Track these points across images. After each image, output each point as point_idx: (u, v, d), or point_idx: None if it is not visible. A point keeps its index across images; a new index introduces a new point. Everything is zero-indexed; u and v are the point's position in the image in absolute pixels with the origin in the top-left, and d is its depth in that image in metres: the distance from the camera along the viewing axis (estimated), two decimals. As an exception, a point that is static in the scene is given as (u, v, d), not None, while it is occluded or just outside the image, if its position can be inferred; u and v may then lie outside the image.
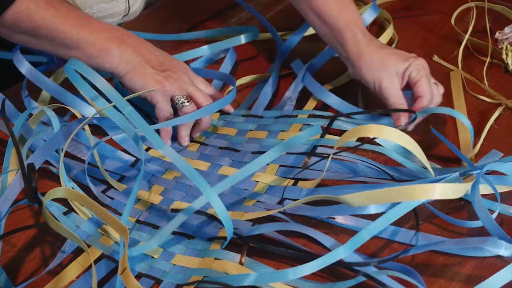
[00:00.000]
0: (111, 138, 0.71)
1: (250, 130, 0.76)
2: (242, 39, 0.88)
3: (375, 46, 0.73)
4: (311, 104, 0.79)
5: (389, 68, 0.71)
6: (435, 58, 0.84)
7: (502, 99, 0.76)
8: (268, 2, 0.97)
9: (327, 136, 0.72)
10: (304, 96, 0.80)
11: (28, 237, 0.64)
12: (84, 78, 0.70)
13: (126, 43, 0.73)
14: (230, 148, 0.74)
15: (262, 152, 0.70)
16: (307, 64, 0.82)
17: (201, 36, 0.91)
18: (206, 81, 0.78)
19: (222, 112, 0.80)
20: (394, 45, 0.87)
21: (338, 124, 0.73)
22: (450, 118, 0.75)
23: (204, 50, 0.87)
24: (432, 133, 0.69)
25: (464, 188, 0.55)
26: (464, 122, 0.69)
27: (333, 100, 0.77)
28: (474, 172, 0.60)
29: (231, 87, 0.79)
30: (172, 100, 0.73)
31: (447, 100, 0.77)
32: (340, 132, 0.72)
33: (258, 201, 0.66)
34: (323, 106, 0.79)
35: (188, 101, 0.73)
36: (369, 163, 0.67)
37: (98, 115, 0.68)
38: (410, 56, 0.72)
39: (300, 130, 0.74)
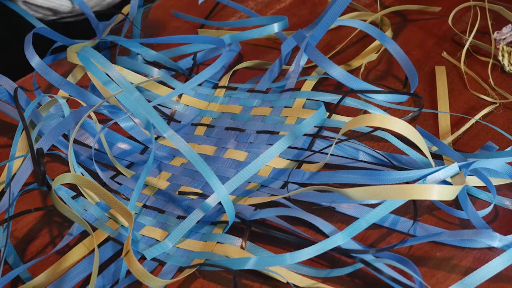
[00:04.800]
0: (120, 126, 0.73)
1: (255, 106, 0.78)
2: (275, 27, 0.83)
3: None
4: (313, 77, 0.79)
5: None
6: (444, 54, 0.86)
7: (498, 98, 0.78)
8: (267, 1, 0.98)
9: (333, 116, 0.73)
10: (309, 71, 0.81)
11: (38, 219, 0.67)
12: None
13: None
14: (236, 128, 0.75)
15: (266, 132, 0.73)
16: (308, 34, 0.79)
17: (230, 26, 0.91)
18: None
19: (228, 88, 0.81)
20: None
21: (345, 101, 0.74)
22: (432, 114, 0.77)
23: (226, 39, 0.83)
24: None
25: (459, 190, 0.57)
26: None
27: (337, 73, 0.76)
28: (462, 168, 0.62)
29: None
30: None
31: (432, 95, 0.79)
32: (346, 109, 0.74)
33: (261, 185, 0.68)
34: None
35: None
36: (371, 150, 0.69)
37: (106, 102, 0.71)
38: None
39: (303, 106, 0.75)
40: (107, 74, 0.72)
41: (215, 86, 0.82)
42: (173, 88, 0.81)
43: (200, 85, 0.82)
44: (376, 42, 0.86)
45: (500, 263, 0.55)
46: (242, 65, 0.85)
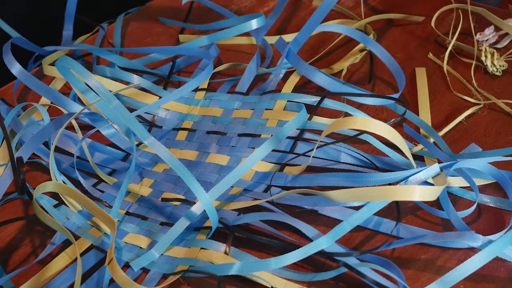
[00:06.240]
0: (102, 133, 0.73)
1: (236, 108, 0.77)
2: (253, 24, 0.82)
3: None
4: (294, 78, 0.79)
5: None
6: (430, 55, 0.86)
7: (481, 99, 0.78)
8: (250, 6, 0.99)
9: (315, 118, 0.73)
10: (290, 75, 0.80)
11: (20, 228, 0.66)
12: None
13: None
14: (217, 132, 0.75)
15: (248, 135, 0.73)
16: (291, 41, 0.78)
17: (205, 28, 0.91)
18: None
19: (208, 90, 0.81)
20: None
21: (326, 103, 0.74)
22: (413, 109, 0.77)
23: (204, 41, 0.83)
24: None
25: (440, 191, 0.57)
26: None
27: (321, 79, 0.75)
28: (444, 169, 0.62)
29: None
30: None
31: (415, 97, 0.79)
32: (327, 111, 0.74)
33: (244, 189, 0.68)
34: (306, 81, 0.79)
35: None
36: (353, 151, 0.69)
37: (87, 110, 0.70)
38: None
39: (284, 108, 0.75)
40: (86, 84, 0.71)
41: (195, 89, 0.81)
42: (155, 94, 0.80)
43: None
44: (360, 45, 0.86)
45: (478, 260, 0.55)
46: (222, 67, 0.85)
